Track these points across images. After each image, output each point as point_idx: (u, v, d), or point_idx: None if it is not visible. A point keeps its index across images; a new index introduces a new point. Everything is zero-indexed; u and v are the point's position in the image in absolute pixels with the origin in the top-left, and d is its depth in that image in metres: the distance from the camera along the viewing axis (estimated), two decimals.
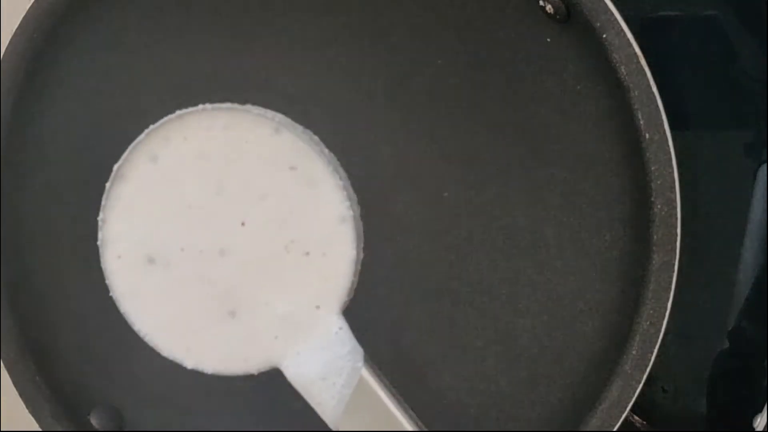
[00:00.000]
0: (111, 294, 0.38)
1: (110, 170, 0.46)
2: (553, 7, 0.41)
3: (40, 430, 0.45)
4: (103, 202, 0.38)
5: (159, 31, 0.45)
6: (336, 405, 0.36)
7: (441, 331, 0.44)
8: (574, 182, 0.43)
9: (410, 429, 0.36)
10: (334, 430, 0.36)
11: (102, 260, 0.38)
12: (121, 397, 0.46)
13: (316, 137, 0.39)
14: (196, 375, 0.47)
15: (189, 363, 0.38)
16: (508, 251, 0.44)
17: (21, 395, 0.45)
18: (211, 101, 0.46)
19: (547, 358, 0.43)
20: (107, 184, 0.38)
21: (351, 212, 0.37)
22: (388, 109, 0.44)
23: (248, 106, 0.38)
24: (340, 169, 0.38)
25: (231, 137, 0.37)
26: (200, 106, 0.38)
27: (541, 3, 0.41)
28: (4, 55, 0.44)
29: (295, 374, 0.37)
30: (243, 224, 0.36)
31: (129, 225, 0.37)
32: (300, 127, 0.38)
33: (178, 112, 0.37)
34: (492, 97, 0.43)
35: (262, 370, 0.38)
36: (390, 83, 0.43)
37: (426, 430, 0.37)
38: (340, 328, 0.37)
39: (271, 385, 0.46)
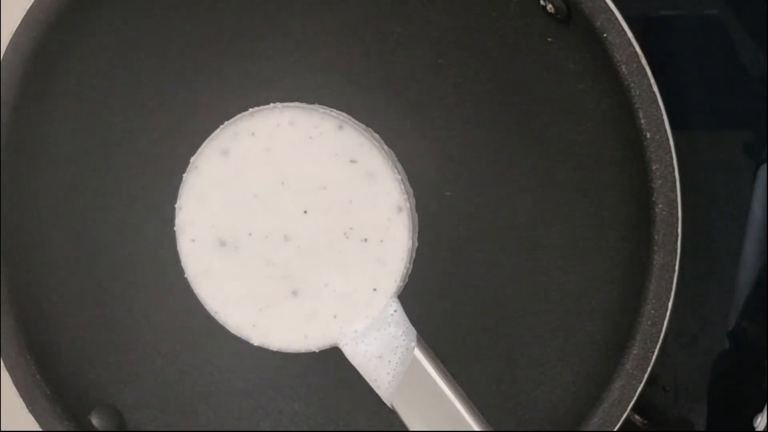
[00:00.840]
0: (185, 275, 0.41)
1: (111, 168, 0.46)
2: (554, 6, 0.41)
3: (40, 430, 0.45)
4: (180, 191, 0.41)
5: (159, 31, 0.45)
6: (391, 382, 0.39)
7: (442, 330, 0.44)
8: (575, 182, 0.43)
9: (459, 406, 0.39)
10: (388, 405, 0.39)
11: (177, 244, 0.41)
12: (121, 397, 0.46)
13: (376, 135, 0.41)
14: (196, 375, 0.47)
15: (255, 340, 0.40)
16: (509, 251, 0.44)
17: (21, 395, 0.45)
18: (211, 99, 0.46)
19: (548, 357, 0.43)
20: (184, 175, 0.40)
21: (408, 204, 0.39)
22: (388, 108, 0.44)
23: (315, 105, 0.40)
24: (398, 164, 0.40)
25: (297, 133, 0.39)
26: (270, 105, 0.40)
27: (542, 2, 0.41)
28: (4, 55, 0.44)
29: (352, 352, 0.39)
30: (305, 212, 0.39)
31: (202, 212, 0.40)
32: (362, 125, 0.40)
33: (250, 110, 0.40)
34: (493, 97, 0.43)
35: (322, 348, 0.40)
36: (390, 83, 0.43)
37: (472, 405, 0.39)
38: (395, 311, 0.39)
39: (270, 386, 0.47)
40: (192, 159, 0.40)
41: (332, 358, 0.47)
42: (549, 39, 0.42)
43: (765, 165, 0.50)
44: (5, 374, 0.45)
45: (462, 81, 0.44)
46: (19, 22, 0.44)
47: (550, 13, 0.41)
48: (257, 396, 0.47)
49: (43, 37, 0.44)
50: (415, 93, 0.43)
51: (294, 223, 0.39)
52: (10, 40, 0.44)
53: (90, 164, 0.46)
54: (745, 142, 0.51)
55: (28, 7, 0.44)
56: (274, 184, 0.39)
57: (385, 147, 0.40)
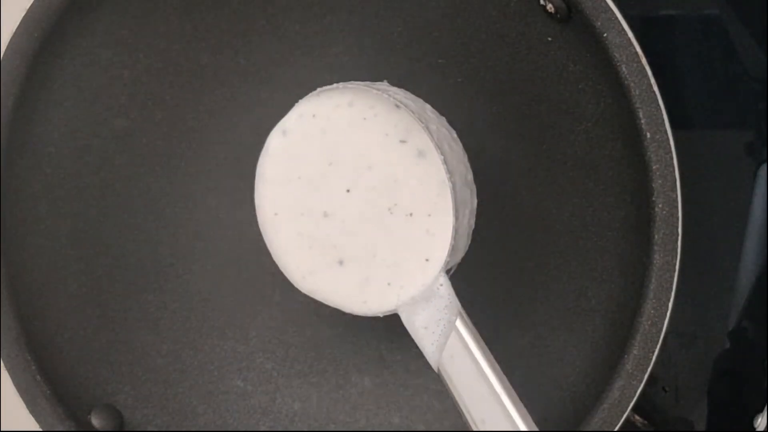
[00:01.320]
0: None
1: (111, 168, 0.46)
2: (554, 6, 0.41)
3: (40, 430, 0.45)
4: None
5: (158, 30, 0.45)
6: (434, 352, 0.39)
7: None
8: (575, 182, 0.43)
9: (492, 378, 0.39)
10: (435, 370, 0.40)
11: None
12: (121, 397, 0.46)
13: (431, 108, 0.41)
14: (196, 375, 0.47)
15: (320, 299, 0.41)
16: (509, 250, 0.44)
17: (21, 395, 0.45)
18: (210, 99, 0.46)
19: (548, 357, 0.43)
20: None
21: (450, 183, 0.39)
22: None
23: (379, 84, 0.41)
24: (453, 144, 0.41)
25: (353, 113, 0.40)
26: (334, 84, 0.40)
27: (542, 2, 0.41)
28: (4, 55, 0.44)
29: (407, 319, 0.40)
30: (348, 191, 0.40)
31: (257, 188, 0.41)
32: (420, 101, 0.41)
33: (318, 89, 0.40)
34: (492, 97, 0.43)
35: (383, 313, 0.40)
36: (390, 82, 0.43)
37: (508, 383, 0.40)
38: (441, 285, 0.40)
39: (271, 386, 0.47)
40: (271, 133, 0.41)
41: (332, 358, 0.47)
42: (549, 39, 0.42)
43: (765, 165, 0.50)
44: (5, 374, 0.45)
45: (462, 81, 0.44)
46: (19, 22, 0.44)
47: (550, 13, 0.41)
48: (257, 396, 0.47)
49: (43, 37, 0.44)
50: (413, 93, 0.43)
51: (335, 202, 0.40)
52: (10, 40, 0.44)
53: (90, 164, 0.46)
54: (745, 142, 0.51)
55: (28, 7, 0.44)
56: (321, 164, 0.40)
57: (434, 127, 0.41)
